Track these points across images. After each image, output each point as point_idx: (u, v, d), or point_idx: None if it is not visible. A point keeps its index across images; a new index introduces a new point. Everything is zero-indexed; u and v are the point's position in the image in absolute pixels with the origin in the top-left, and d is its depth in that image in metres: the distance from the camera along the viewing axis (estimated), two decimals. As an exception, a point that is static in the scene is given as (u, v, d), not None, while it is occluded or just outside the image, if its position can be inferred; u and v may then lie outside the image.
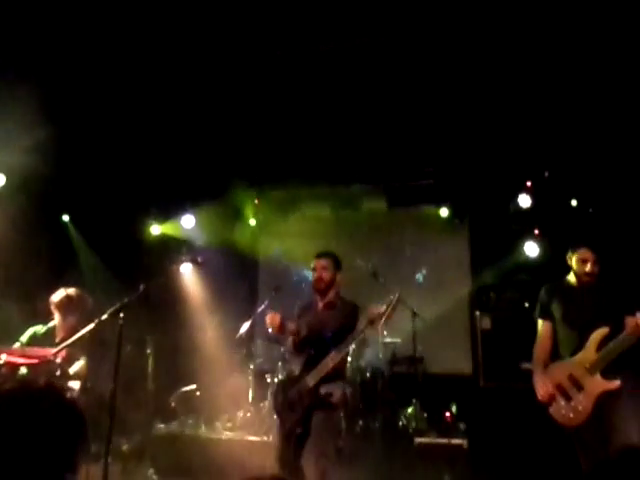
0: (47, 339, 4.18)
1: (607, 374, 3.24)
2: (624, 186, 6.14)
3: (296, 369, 3.76)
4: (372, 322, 3.59)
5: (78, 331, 3.64)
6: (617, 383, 3.20)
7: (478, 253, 7.26)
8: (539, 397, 3.44)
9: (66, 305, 4.25)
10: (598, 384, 3.24)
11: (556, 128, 6.23)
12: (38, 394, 1.35)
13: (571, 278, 3.60)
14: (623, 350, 3.21)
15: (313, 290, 3.93)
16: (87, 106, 6.58)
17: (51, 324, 4.31)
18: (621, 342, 3.22)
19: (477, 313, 5.93)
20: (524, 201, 6.61)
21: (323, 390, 3.50)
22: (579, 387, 3.30)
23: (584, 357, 3.31)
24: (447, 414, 5.95)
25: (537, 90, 6.06)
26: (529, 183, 6.66)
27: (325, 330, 3.64)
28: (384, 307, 3.69)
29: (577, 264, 3.51)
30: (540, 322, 3.66)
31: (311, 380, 3.51)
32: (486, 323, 5.88)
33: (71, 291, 4.33)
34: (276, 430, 3.70)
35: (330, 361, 3.50)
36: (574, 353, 3.37)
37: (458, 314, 7.14)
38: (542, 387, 3.43)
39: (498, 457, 4.86)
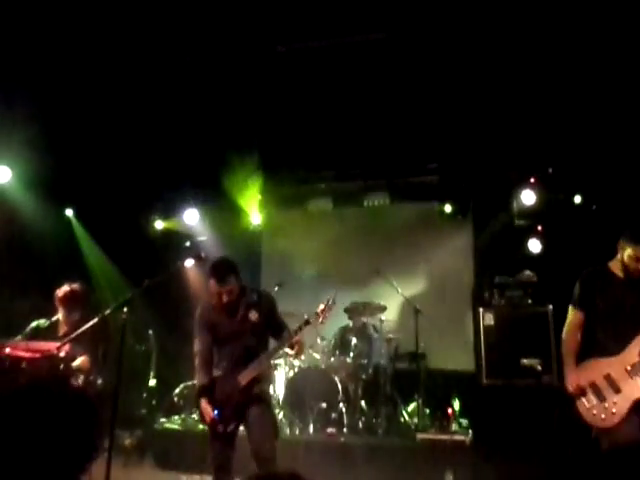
0: (50, 333, 4.21)
1: None
2: (628, 183, 6.12)
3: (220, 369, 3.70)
4: (308, 322, 3.69)
5: (81, 326, 3.65)
6: None
7: (481, 249, 7.25)
8: (570, 389, 3.25)
9: (70, 300, 4.29)
10: (637, 388, 3.08)
11: (560, 124, 6.21)
12: (54, 390, 1.35)
13: (615, 267, 3.34)
14: None
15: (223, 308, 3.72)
16: (89, 101, 6.59)
17: (54, 318, 4.33)
18: None
19: (480, 309, 5.91)
20: (527, 197, 6.59)
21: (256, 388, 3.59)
22: (616, 389, 3.12)
23: (625, 358, 3.13)
24: (449, 410, 5.95)
25: (541, 86, 6.04)
26: (533, 179, 6.64)
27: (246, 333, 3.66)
28: (321, 306, 3.80)
29: (630, 259, 3.22)
30: (572, 311, 3.43)
31: (243, 379, 3.55)
32: (489, 319, 5.86)
33: (75, 286, 4.36)
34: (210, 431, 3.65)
35: (265, 360, 3.64)
36: (614, 352, 3.17)
37: (461, 310, 7.14)
38: (575, 380, 3.24)
39: (501, 453, 4.86)
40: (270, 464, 3.43)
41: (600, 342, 3.26)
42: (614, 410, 3.10)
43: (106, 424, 3.25)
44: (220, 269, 3.61)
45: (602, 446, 3.19)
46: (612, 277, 3.33)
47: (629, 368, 3.11)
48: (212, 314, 3.71)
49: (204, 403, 3.55)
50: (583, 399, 3.21)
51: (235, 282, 3.61)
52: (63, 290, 4.31)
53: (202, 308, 3.80)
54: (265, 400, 3.68)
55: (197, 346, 3.70)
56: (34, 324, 4.31)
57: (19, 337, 4.14)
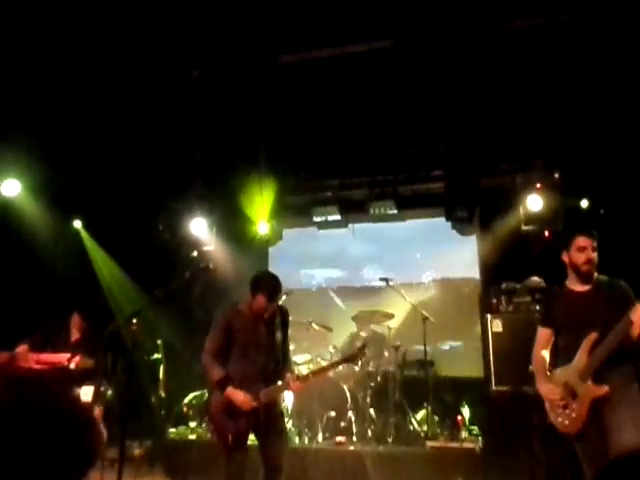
0: (62, 335, 4.15)
1: (599, 380, 3.16)
2: (636, 187, 6.10)
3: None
4: (345, 361, 4.05)
5: (93, 330, 3.68)
6: (605, 389, 3.12)
7: (488, 256, 7.22)
8: (548, 401, 3.37)
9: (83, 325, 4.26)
10: (589, 391, 3.17)
11: (567, 129, 6.22)
12: (48, 401, 1.36)
13: (570, 282, 3.47)
14: (611, 352, 3.11)
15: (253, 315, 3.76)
16: (96, 113, 6.66)
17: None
18: (605, 345, 3.13)
19: (488, 316, 5.88)
20: (534, 203, 6.58)
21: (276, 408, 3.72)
22: (573, 394, 3.23)
23: (577, 363, 3.23)
24: (459, 418, 5.92)
25: (547, 91, 6.06)
26: (539, 185, 6.63)
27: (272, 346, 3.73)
28: (357, 347, 4.10)
29: (575, 256, 3.34)
30: (539, 329, 3.57)
31: (264, 397, 3.59)
32: (497, 326, 5.83)
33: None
34: (227, 433, 3.60)
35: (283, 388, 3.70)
36: (571, 360, 3.28)
37: (468, 317, 7.12)
38: (548, 393, 3.36)
39: (510, 461, 4.83)
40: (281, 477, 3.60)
41: (561, 353, 3.40)
42: (574, 415, 3.21)
43: (116, 435, 3.26)
44: (274, 287, 3.67)
45: (577, 453, 3.30)
46: (567, 291, 3.47)
47: (580, 373, 3.20)
48: (238, 319, 3.71)
49: (234, 391, 3.53)
50: (551, 408, 3.34)
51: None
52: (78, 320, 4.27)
53: (228, 309, 3.81)
54: (280, 424, 3.75)
55: (210, 343, 3.70)
56: (48, 322, 4.24)
57: (30, 335, 4.10)
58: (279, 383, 3.64)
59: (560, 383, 3.29)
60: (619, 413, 3.09)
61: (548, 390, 3.36)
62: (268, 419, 3.60)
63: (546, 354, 3.47)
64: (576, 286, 3.42)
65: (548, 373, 3.42)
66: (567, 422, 3.24)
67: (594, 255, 3.34)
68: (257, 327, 3.69)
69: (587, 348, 3.19)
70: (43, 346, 3.99)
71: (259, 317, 3.67)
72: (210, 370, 3.64)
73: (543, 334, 3.52)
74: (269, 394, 3.59)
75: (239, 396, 3.51)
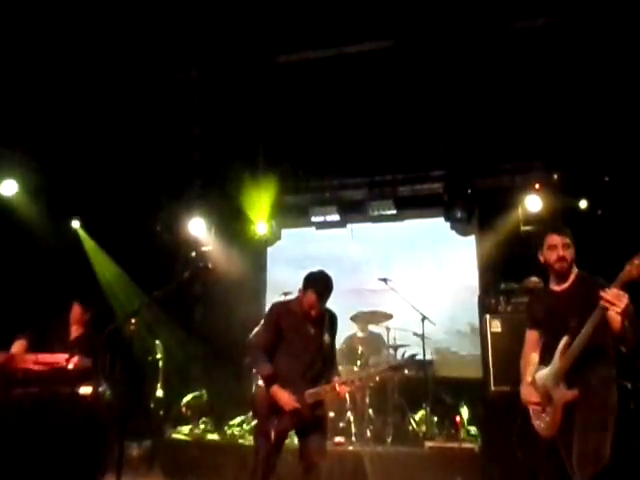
0: (61, 332, 4.14)
1: (574, 382, 3.07)
2: (634, 187, 6.11)
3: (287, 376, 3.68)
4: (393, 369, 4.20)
5: (92, 326, 3.67)
6: (574, 393, 3.05)
7: (487, 256, 7.23)
8: (527, 404, 3.34)
9: (84, 317, 4.24)
10: (562, 395, 3.09)
11: (565, 130, 6.22)
12: (64, 401, 1.37)
13: (550, 281, 3.40)
14: (584, 349, 2.99)
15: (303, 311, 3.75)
16: (94, 112, 6.65)
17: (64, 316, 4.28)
18: (578, 341, 3.01)
19: (487, 316, 5.88)
20: (533, 203, 6.58)
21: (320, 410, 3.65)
22: (549, 398, 3.17)
23: (553, 366, 3.16)
24: (458, 418, 5.92)
25: (545, 92, 6.07)
26: (538, 185, 6.64)
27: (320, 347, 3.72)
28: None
29: (547, 254, 3.28)
30: (527, 332, 3.52)
31: (309, 397, 3.58)
32: (496, 326, 5.82)
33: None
34: (270, 430, 3.57)
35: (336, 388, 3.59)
36: (551, 361, 3.20)
37: (467, 317, 7.12)
38: (527, 395, 3.32)
39: (509, 461, 4.82)
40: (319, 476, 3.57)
41: (545, 355, 3.32)
42: (548, 419, 3.16)
43: (115, 435, 3.25)
44: (324, 286, 3.68)
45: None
46: (548, 292, 3.40)
47: (555, 376, 3.13)
48: (288, 316, 3.73)
49: (279, 389, 3.54)
50: (532, 412, 3.30)
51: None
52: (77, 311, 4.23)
53: (279, 306, 3.86)
54: (322, 425, 3.72)
55: (259, 338, 3.79)
56: (48, 319, 4.22)
57: (28, 332, 4.08)
58: (325, 384, 3.64)
59: (539, 386, 3.24)
60: (582, 418, 3.02)
61: (527, 394, 3.32)
62: (312, 419, 3.59)
63: (535, 357, 3.40)
64: (555, 285, 3.36)
65: (529, 378, 3.35)
66: (543, 426, 3.21)
67: (566, 252, 3.25)
68: (305, 325, 3.71)
69: (561, 350, 3.11)
70: (41, 345, 3.96)
71: (307, 315, 3.67)
72: (258, 365, 3.69)
73: (531, 336, 3.48)
74: (314, 395, 3.59)
75: (283, 396, 3.52)
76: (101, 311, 4.15)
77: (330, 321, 3.82)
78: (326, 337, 3.71)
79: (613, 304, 2.82)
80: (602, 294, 2.85)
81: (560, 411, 3.10)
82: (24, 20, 5.59)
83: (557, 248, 3.26)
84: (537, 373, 3.29)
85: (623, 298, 2.82)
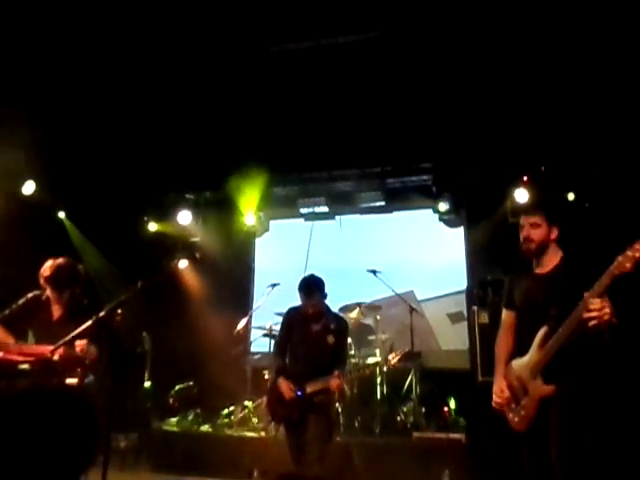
0: (44, 313, 3.85)
1: (553, 377, 2.87)
2: (621, 179, 6.15)
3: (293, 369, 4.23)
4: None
5: (73, 305, 3.61)
6: (550, 389, 2.86)
7: (474, 248, 7.26)
8: (494, 403, 3.11)
9: (58, 278, 3.86)
10: (538, 389, 2.90)
11: (552, 122, 6.24)
12: (53, 394, 1.34)
13: (533, 266, 3.17)
14: (564, 344, 2.81)
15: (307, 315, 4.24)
16: (83, 103, 6.56)
17: (45, 296, 3.91)
18: (558, 336, 2.83)
19: (474, 308, 5.92)
20: (521, 195, 6.61)
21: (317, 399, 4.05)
22: (525, 390, 2.96)
23: (530, 357, 2.95)
24: (445, 409, 5.96)
25: (533, 84, 6.07)
26: (526, 178, 6.66)
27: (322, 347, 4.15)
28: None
29: (521, 234, 3.11)
30: (504, 312, 3.30)
31: (309, 387, 4.02)
32: (483, 318, 5.86)
33: (60, 261, 3.89)
34: (277, 417, 4.29)
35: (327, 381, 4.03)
36: (527, 350, 2.98)
37: (455, 309, 7.16)
38: (496, 392, 3.09)
39: (497, 452, 4.86)
40: (314, 465, 3.84)
41: (519, 341, 3.12)
42: (523, 413, 2.96)
43: (101, 426, 3.22)
44: (305, 284, 4.16)
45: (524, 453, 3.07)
46: (529, 274, 3.18)
47: (532, 368, 2.94)
48: (296, 318, 4.28)
49: (283, 381, 4.08)
50: (505, 404, 3.07)
51: (319, 298, 4.15)
52: (48, 268, 3.85)
53: (291, 310, 4.39)
54: (323, 409, 4.07)
55: (278, 338, 4.45)
56: (29, 295, 3.88)
57: (13, 306, 3.79)
58: (323, 378, 4.02)
59: (515, 376, 3.02)
60: (554, 416, 2.85)
61: (497, 391, 3.10)
62: (311, 407, 3.99)
63: (510, 343, 3.19)
64: (535, 268, 3.15)
65: (501, 370, 3.14)
66: (517, 419, 3.00)
67: (532, 232, 3.06)
68: (308, 325, 4.20)
69: (539, 341, 2.91)
70: (23, 328, 3.79)
71: (307, 314, 4.17)
72: (273, 361, 4.43)
73: (507, 317, 3.27)
74: (313, 386, 4.01)
75: (283, 385, 4.07)
76: (80, 291, 3.96)
77: (337, 325, 4.23)
78: (330, 338, 4.12)
79: (597, 317, 2.67)
80: (585, 314, 2.70)
81: (535, 405, 2.92)
82: (22, 20, 5.50)
83: (524, 228, 3.10)
84: (512, 362, 3.08)
85: (606, 309, 2.67)
